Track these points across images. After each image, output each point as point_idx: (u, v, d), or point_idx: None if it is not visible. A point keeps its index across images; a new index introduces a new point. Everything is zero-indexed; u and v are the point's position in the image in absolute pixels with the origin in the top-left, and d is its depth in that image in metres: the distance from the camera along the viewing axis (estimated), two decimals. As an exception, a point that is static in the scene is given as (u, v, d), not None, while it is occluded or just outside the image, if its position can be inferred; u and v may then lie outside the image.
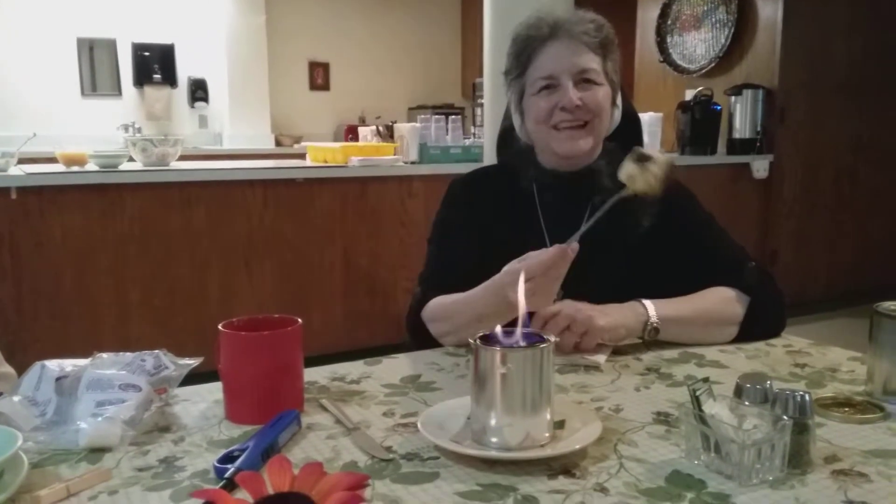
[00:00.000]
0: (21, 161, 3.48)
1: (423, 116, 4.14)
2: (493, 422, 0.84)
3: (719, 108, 4.71)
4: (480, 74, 3.95)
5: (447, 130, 4.03)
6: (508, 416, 0.84)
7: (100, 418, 0.89)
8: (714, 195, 3.54)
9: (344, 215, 3.71)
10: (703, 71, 5.04)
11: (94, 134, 5.85)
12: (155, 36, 6.41)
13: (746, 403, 0.84)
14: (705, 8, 5.03)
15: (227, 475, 0.78)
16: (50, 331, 3.13)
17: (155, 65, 6.40)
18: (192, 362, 1.05)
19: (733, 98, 4.74)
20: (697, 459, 0.82)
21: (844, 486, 0.77)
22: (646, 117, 4.01)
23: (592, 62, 1.33)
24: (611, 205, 1.16)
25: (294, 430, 0.92)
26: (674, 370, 1.17)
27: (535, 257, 1.13)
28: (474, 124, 6.55)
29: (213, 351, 0.98)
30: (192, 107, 6.63)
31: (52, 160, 3.68)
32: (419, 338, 1.35)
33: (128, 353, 1.04)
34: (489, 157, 3.53)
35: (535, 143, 1.43)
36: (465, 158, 3.94)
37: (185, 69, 6.56)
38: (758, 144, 4.72)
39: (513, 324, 0.88)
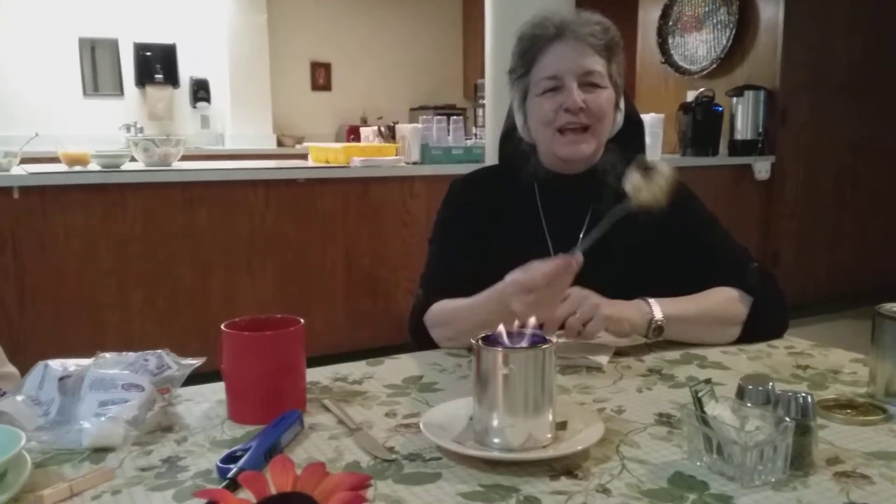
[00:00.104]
0: (23, 161, 3.48)
1: (424, 117, 4.14)
2: (495, 422, 0.85)
3: (721, 109, 4.71)
4: (482, 75, 3.95)
5: (449, 131, 4.03)
6: (510, 417, 0.84)
7: (103, 418, 0.89)
8: (716, 196, 3.54)
9: (346, 216, 3.71)
10: (705, 72, 5.04)
11: (96, 134, 5.86)
12: (157, 36, 6.41)
13: (748, 405, 0.84)
14: (706, 9, 5.03)
15: (229, 475, 0.78)
16: (52, 330, 3.14)
17: (157, 65, 6.40)
18: (195, 362, 1.05)
19: (735, 99, 4.73)
20: (700, 461, 0.82)
21: (847, 488, 0.77)
22: (647, 118, 4.00)
23: (597, 64, 1.33)
24: (616, 217, 1.16)
25: (296, 430, 0.92)
26: (676, 371, 1.17)
27: (538, 269, 1.12)
28: (476, 125, 6.56)
29: (216, 351, 0.98)
30: (194, 107, 6.63)
31: (54, 160, 3.69)
32: (421, 340, 1.35)
33: (131, 353, 1.04)
34: (491, 158, 3.53)
35: (537, 144, 1.42)
36: (466, 159, 3.94)
37: (187, 69, 6.57)
38: (759, 146, 4.72)
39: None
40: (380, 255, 3.79)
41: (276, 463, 0.73)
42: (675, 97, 5.11)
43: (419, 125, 4.02)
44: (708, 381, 0.85)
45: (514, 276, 1.15)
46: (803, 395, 0.83)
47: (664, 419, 0.97)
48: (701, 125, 4.67)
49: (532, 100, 1.37)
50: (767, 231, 4.79)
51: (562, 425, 0.89)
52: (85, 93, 6.27)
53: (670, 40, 5.30)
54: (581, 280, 1.19)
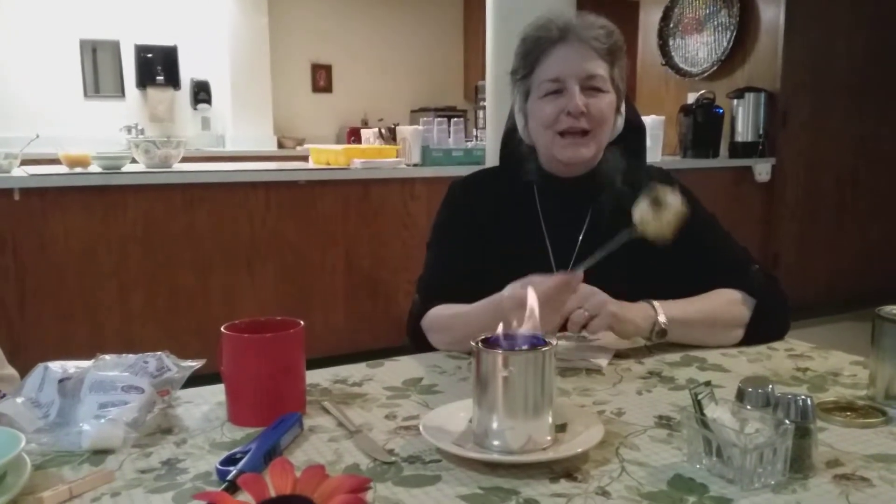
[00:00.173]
0: (24, 162, 3.48)
1: (425, 119, 4.15)
2: (494, 425, 0.85)
3: (721, 111, 4.71)
4: (483, 77, 3.95)
5: (449, 133, 4.03)
6: (510, 420, 0.84)
7: (102, 420, 0.89)
8: (716, 198, 3.53)
9: (346, 217, 3.71)
10: (705, 74, 5.04)
11: (97, 135, 5.86)
12: (158, 38, 6.42)
13: (748, 407, 0.84)
14: (707, 11, 5.03)
15: (229, 477, 0.78)
16: (52, 332, 3.14)
17: (158, 66, 6.41)
18: (195, 364, 1.05)
19: (735, 101, 4.74)
20: (699, 463, 0.82)
21: (846, 491, 0.77)
22: (648, 120, 4.01)
23: (600, 68, 1.33)
24: (622, 241, 1.15)
25: (296, 432, 0.92)
26: (676, 374, 1.17)
27: (537, 285, 1.12)
28: (477, 127, 6.56)
29: (216, 353, 0.98)
30: (195, 108, 6.64)
31: (55, 162, 3.69)
32: (419, 344, 1.35)
33: (130, 355, 1.04)
34: (491, 160, 3.54)
35: (537, 146, 1.42)
36: (467, 161, 3.94)
37: (188, 71, 6.57)
38: (760, 148, 4.72)
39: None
40: (380, 257, 3.79)
41: (275, 465, 0.73)
42: (675, 99, 5.11)
43: (420, 127, 4.02)
44: (708, 384, 0.85)
45: (513, 291, 1.14)
46: (803, 397, 0.83)
47: (664, 421, 0.97)
48: (701, 127, 4.67)
49: (533, 102, 1.37)
50: (768, 233, 4.79)
51: (561, 428, 0.89)
52: (86, 94, 6.27)
53: (671, 42, 5.30)
54: (590, 284, 1.19)
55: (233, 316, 1.05)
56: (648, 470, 0.83)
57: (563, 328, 1.20)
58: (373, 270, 3.79)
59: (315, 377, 1.15)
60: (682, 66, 5.23)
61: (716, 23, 4.97)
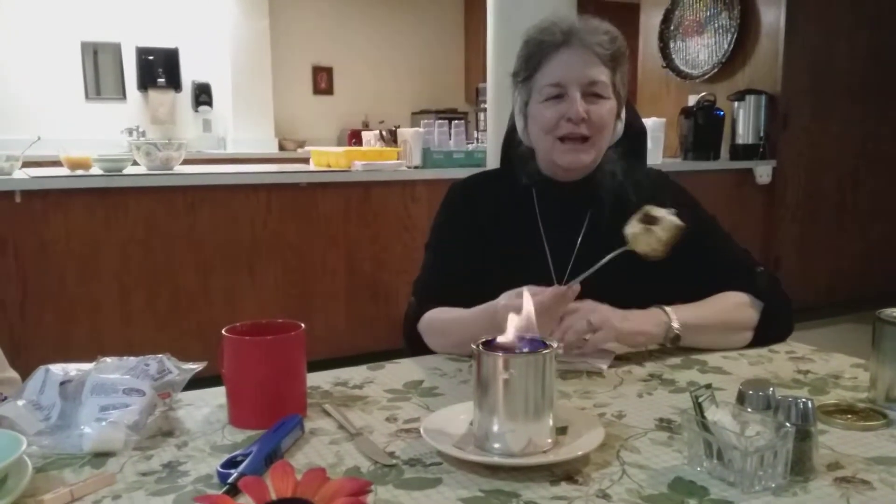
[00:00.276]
0: (25, 164, 3.48)
1: (426, 121, 4.15)
2: (495, 427, 0.85)
3: (722, 113, 4.71)
4: (484, 79, 3.96)
5: (450, 135, 4.04)
6: (511, 422, 0.84)
7: (104, 423, 0.90)
8: (717, 201, 3.54)
9: (347, 220, 3.72)
10: (706, 76, 5.04)
11: (99, 138, 5.86)
12: (159, 40, 6.42)
13: (749, 410, 0.84)
14: (708, 13, 5.04)
15: (230, 480, 0.78)
16: (53, 334, 3.14)
17: (159, 69, 6.41)
18: (196, 367, 1.05)
19: (736, 103, 4.74)
20: (700, 466, 0.82)
21: (847, 494, 0.77)
22: (649, 123, 4.01)
23: (602, 74, 1.32)
24: (617, 254, 1.16)
25: (297, 435, 0.92)
26: (676, 376, 1.17)
27: (534, 294, 1.12)
28: (477, 129, 6.56)
29: (217, 355, 0.98)
30: (196, 111, 6.64)
31: (56, 164, 3.70)
32: (415, 346, 1.35)
33: (132, 358, 1.04)
34: (492, 162, 3.54)
35: (536, 149, 1.42)
36: (468, 163, 3.95)
37: (189, 73, 6.58)
38: (761, 150, 4.72)
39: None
40: (381, 260, 3.80)
41: (276, 468, 0.73)
42: (676, 101, 5.11)
43: (421, 129, 4.02)
44: (708, 387, 0.85)
45: (508, 300, 1.14)
46: (804, 400, 0.83)
47: (665, 424, 0.97)
48: (702, 129, 4.68)
49: (534, 106, 1.37)
50: (769, 235, 4.79)
51: (562, 430, 0.89)
52: (87, 97, 6.28)
53: (672, 45, 5.31)
54: (585, 288, 1.19)
55: (234, 318, 1.05)
56: (649, 473, 0.83)
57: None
58: (374, 273, 3.79)
59: (316, 380, 1.15)
60: (682, 68, 5.24)
61: (716, 25, 4.98)
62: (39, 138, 4.00)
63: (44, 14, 6.04)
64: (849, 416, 0.97)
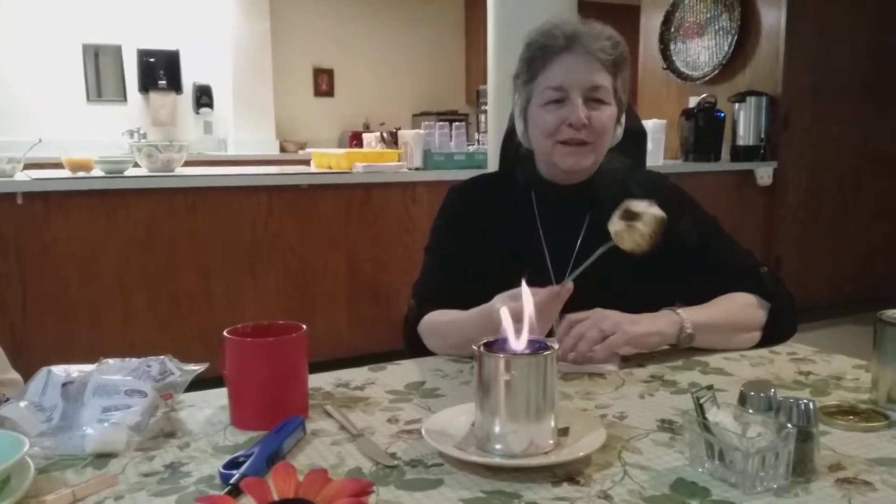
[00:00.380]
0: (27, 166, 3.49)
1: (427, 123, 4.15)
2: (497, 428, 0.85)
3: (723, 115, 4.72)
4: (485, 81, 3.96)
5: (451, 137, 4.04)
6: (512, 423, 0.84)
7: (106, 424, 0.90)
8: (718, 202, 3.53)
9: (348, 221, 3.72)
10: (707, 78, 5.05)
11: (100, 139, 5.87)
12: (160, 42, 6.43)
13: (750, 411, 0.84)
14: (708, 15, 5.04)
15: (232, 481, 0.78)
16: (55, 335, 3.14)
17: (160, 71, 6.42)
18: (198, 368, 1.05)
19: (737, 105, 4.74)
20: (701, 467, 0.82)
21: (849, 495, 0.77)
22: (649, 124, 4.02)
23: (604, 80, 1.32)
24: (606, 249, 1.16)
25: (299, 436, 0.92)
26: (678, 377, 1.17)
27: (528, 297, 1.12)
28: (478, 131, 6.55)
29: (219, 357, 0.98)
30: (197, 113, 6.65)
31: (57, 166, 3.70)
32: (415, 349, 1.35)
33: (133, 359, 1.04)
34: (493, 164, 3.54)
35: (535, 152, 1.42)
36: (468, 165, 3.95)
37: (190, 75, 6.58)
38: (761, 151, 4.72)
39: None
40: (382, 261, 3.80)
41: (278, 469, 0.74)
42: (677, 103, 5.12)
43: (421, 131, 4.03)
44: (710, 388, 0.85)
45: (503, 303, 1.14)
46: (805, 401, 0.83)
47: (666, 425, 0.97)
48: (703, 131, 4.68)
49: (535, 109, 1.37)
50: (770, 237, 4.79)
51: (564, 431, 0.89)
52: (88, 98, 6.29)
53: (672, 46, 5.31)
54: (587, 292, 1.19)
55: (235, 320, 1.06)
56: (651, 474, 0.83)
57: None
58: (375, 274, 3.79)
59: (317, 381, 1.15)
60: (683, 69, 5.24)
61: (717, 27, 4.98)
62: (41, 140, 4.00)
63: (45, 16, 6.05)
64: (850, 417, 0.97)
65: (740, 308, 1.32)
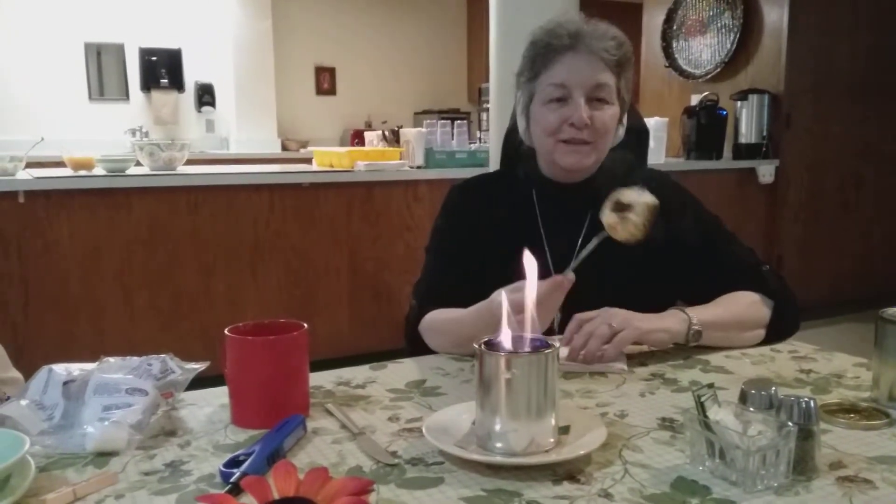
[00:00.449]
0: (29, 165, 3.49)
1: (429, 121, 4.15)
2: (497, 427, 0.85)
3: (725, 113, 4.71)
4: (486, 79, 3.96)
5: (453, 135, 4.04)
6: (513, 422, 0.84)
7: (106, 422, 0.90)
8: (720, 200, 3.54)
9: (350, 220, 3.72)
10: (709, 76, 5.04)
11: (102, 138, 5.88)
12: (162, 41, 6.43)
13: (751, 409, 0.84)
14: (711, 13, 5.03)
15: (232, 479, 0.78)
16: (56, 334, 3.15)
17: (162, 69, 6.43)
18: (199, 367, 1.05)
19: (739, 103, 4.73)
20: (702, 465, 0.82)
21: (850, 493, 0.77)
22: (651, 122, 4.01)
23: (608, 80, 1.32)
24: (595, 244, 1.16)
25: (299, 434, 0.92)
26: (679, 376, 1.17)
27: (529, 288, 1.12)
28: (480, 129, 6.55)
29: (220, 355, 0.98)
30: (199, 111, 6.65)
31: (59, 164, 3.70)
32: (416, 349, 1.35)
33: (134, 358, 1.04)
34: (495, 162, 3.53)
35: (537, 150, 1.42)
36: (470, 163, 3.95)
37: (192, 74, 6.59)
38: (763, 149, 4.72)
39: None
40: (383, 260, 3.80)
41: (278, 467, 0.74)
42: (679, 101, 5.11)
43: (423, 129, 4.03)
44: (711, 386, 0.85)
45: (505, 296, 1.14)
46: (806, 399, 0.83)
47: (667, 423, 0.97)
48: (705, 129, 4.67)
49: (537, 107, 1.37)
50: (771, 235, 4.79)
51: (564, 430, 0.89)
52: (90, 97, 6.29)
53: (674, 44, 5.30)
54: (590, 292, 1.19)
55: (236, 318, 1.06)
56: (651, 472, 0.83)
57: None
58: (376, 272, 3.79)
59: (318, 379, 1.15)
60: (685, 67, 5.23)
61: (719, 25, 4.97)
62: (43, 139, 4.01)
63: (47, 15, 6.06)
64: (851, 415, 0.97)
65: (746, 306, 1.33)
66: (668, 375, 1.17)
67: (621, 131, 1.41)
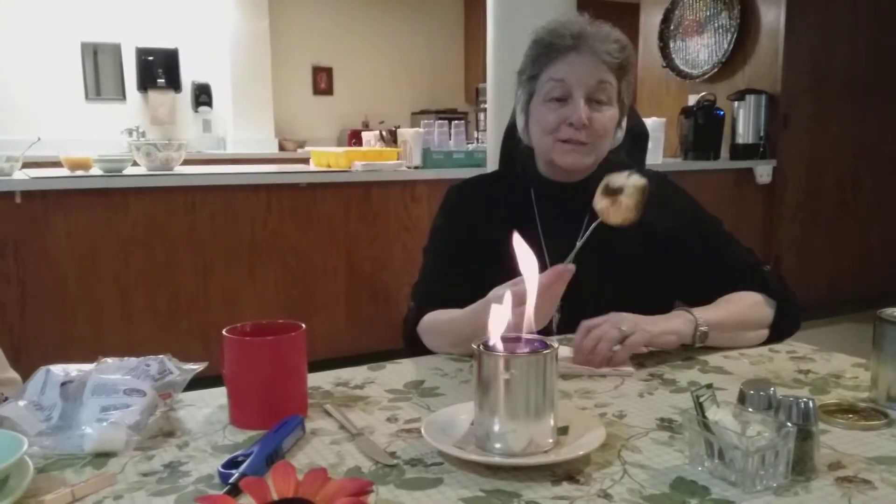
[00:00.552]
0: (25, 165, 3.48)
1: (426, 121, 4.15)
2: (496, 427, 0.85)
3: (722, 113, 4.72)
4: (484, 79, 3.96)
5: (450, 135, 4.04)
6: (512, 422, 0.84)
7: (105, 423, 0.89)
8: (717, 201, 3.54)
9: (347, 220, 3.72)
10: (706, 76, 5.05)
11: (99, 138, 5.87)
12: (159, 41, 6.43)
13: (750, 410, 0.84)
14: (708, 13, 5.04)
15: (231, 480, 0.78)
16: (54, 334, 3.14)
17: (159, 69, 6.42)
18: (197, 367, 1.05)
19: (736, 103, 4.74)
20: (701, 466, 0.82)
21: (849, 493, 0.77)
22: (649, 122, 3.99)
23: (608, 82, 1.32)
24: (591, 230, 1.16)
25: (298, 435, 0.92)
26: (677, 376, 1.17)
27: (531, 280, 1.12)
28: (478, 129, 6.56)
29: (218, 356, 0.98)
30: (196, 111, 6.65)
31: (56, 164, 3.70)
32: (415, 350, 1.35)
33: (132, 358, 1.04)
34: (492, 162, 3.54)
35: (535, 148, 1.42)
36: (468, 163, 3.95)
37: (189, 74, 6.58)
38: (761, 150, 4.72)
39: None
40: (381, 260, 3.80)
41: (277, 468, 0.73)
42: (676, 101, 5.12)
43: (421, 129, 4.03)
44: (709, 386, 0.85)
45: (504, 292, 1.14)
46: (805, 399, 0.83)
47: (666, 424, 0.97)
48: (702, 129, 4.68)
49: (536, 106, 1.37)
50: (769, 235, 4.80)
51: (563, 430, 0.89)
52: (87, 97, 6.28)
53: (672, 44, 5.31)
54: (591, 294, 1.19)
55: (234, 319, 1.05)
56: (650, 472, 0.82)
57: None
58: (374, 273, 3.79)
59: (317, 380, 1.15)
60: (682, 68, 5.24)
61: (716, 25, 4.98)
62: (39, 139, 4.00)
63: (44, 15, 6.05)
64: (850, 415, 0.97)
65: (750, 307, 1.33)
66: (667, 376, 1.17)
67: (620, 134, 1.42)
